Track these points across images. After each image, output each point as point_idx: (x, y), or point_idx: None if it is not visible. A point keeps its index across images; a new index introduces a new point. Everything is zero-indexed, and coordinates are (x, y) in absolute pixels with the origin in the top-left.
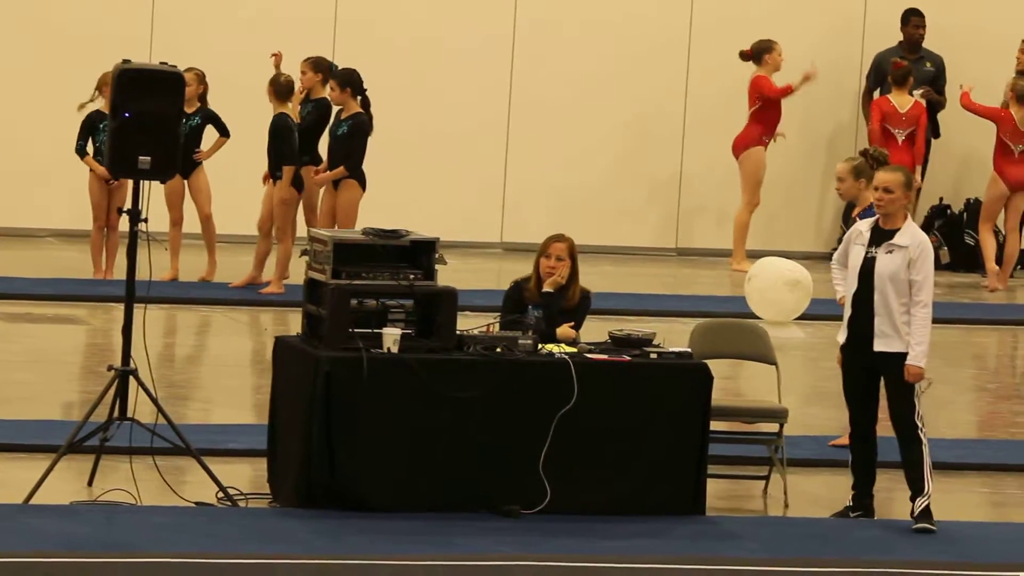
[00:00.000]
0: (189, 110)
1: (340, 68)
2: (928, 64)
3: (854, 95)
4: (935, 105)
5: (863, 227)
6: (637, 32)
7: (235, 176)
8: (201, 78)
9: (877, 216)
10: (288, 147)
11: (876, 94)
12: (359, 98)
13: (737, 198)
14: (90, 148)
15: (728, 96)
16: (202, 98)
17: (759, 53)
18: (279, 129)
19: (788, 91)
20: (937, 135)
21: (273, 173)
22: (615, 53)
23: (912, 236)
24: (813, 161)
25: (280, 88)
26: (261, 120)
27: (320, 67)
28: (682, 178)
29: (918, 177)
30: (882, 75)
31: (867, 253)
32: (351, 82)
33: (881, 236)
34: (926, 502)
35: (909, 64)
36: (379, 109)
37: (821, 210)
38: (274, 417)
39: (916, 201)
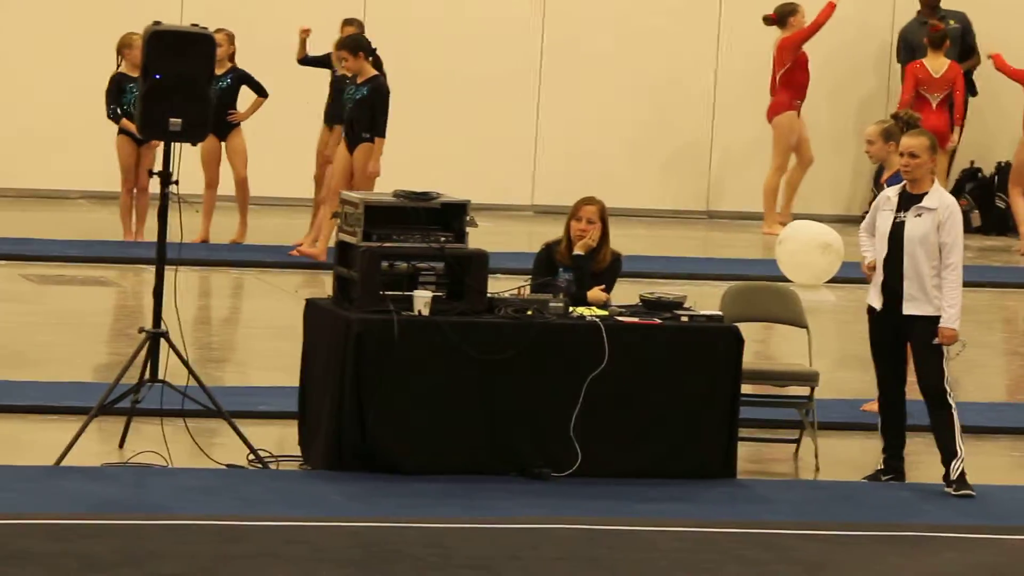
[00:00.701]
0: (220, 71)
1: (343, 37)
2: (952, 22)
3: (885, 57)
4: (969, 68)
5: (890, 193)
6: None
7: (268, 138)
8: (231, 39)
9: (904, 182)
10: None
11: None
12: (371, 59)
13: (765, 160)
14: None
15: (759, 57)
16: (232, 59)
17: (784, 16)
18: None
19: (830, 9)
20: (974, 93)
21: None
22: (644, 16)
23: (940, 199)
24: (844, 124)
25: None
26: (294, 82)
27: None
28: (713, 141)
29: (955, 137)
30: (911, 47)
31: (895, 218)
32: (361, 47)
33: (909, 200)
34: (960, 467)
35: (945, 28)
36: (411, 73)
37: (853, 173)
38: (305, 380)
39: (951, 163)
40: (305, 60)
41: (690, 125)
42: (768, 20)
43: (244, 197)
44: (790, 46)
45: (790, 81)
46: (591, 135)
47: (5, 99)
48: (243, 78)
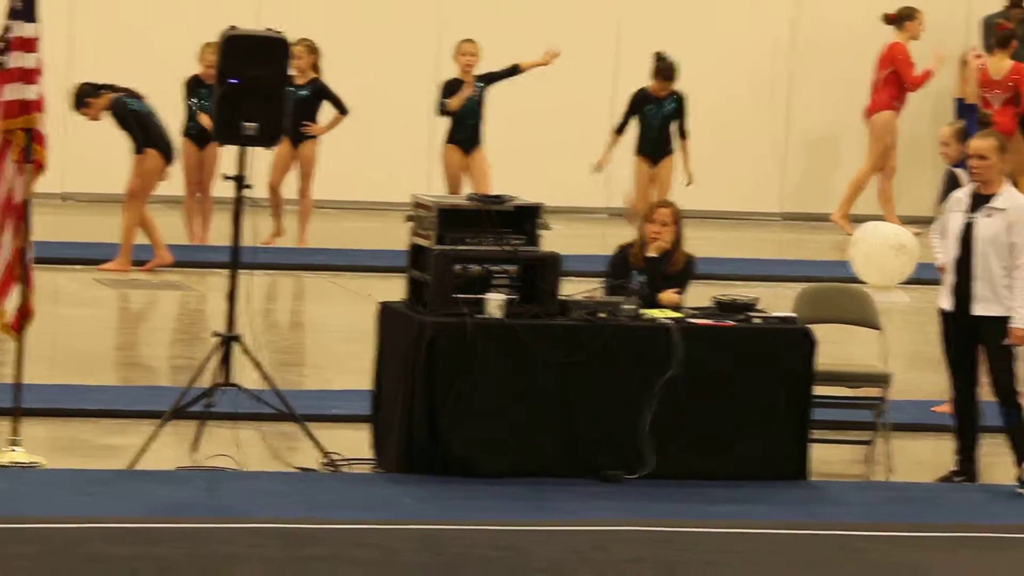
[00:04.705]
0: (302, 81)
1: None
2: None
3: (960, 52)
4: None
5: (961, 194)
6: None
7: (344, 143)
8: (312, 49)
9: (975, 183)
10: None
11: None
12: None
13: (840, 162)
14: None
15: (836, 57)
16: (316, 69)
17: (900, 19)
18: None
19: (927, 77)
20: None
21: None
22: (717, 20)
23: (1011, 199)
24: (916, 124)
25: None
26: (365, 88)
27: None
28: (787, 143)
29: None
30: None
31: (966, 218)
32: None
33: (979, 201)
34: None
35: (1013, 27)
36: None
37: (932, 171)
38: (378, 383)
39: None
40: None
41: (764, 127)
42: (887, 19)
43: (306, 207)
44: (892, 58)
45: (893, 81)
46: None
47: None
48: (322, 91)
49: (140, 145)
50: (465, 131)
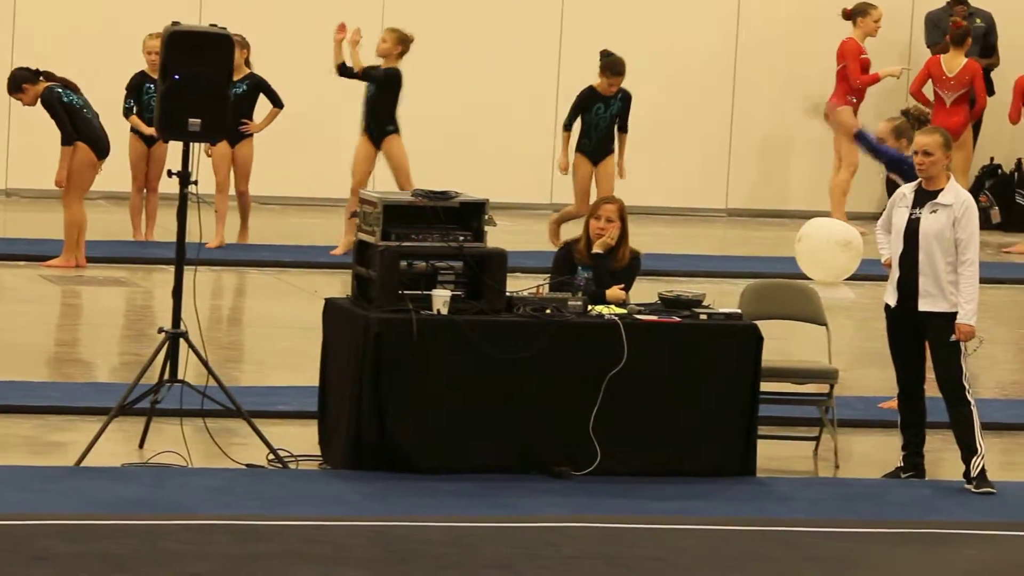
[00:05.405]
0: (236, 77)
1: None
2: (978, 20)
3: (903, 50)
4: (988, 66)
5: (906, 190)
6: None
7: (287, 139)
8: (242, 44)
9: (920, 179)
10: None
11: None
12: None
13: (787, 158)
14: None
15: (778, 53)
16: (248, 64)
17: (854, 15)
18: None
19: (874, 80)
20: (992, 92)
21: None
22: (662, 14)
23: (956, 195)
24: (861, 119)
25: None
26: (308, 83)
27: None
28: (732, 139)
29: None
30: (937, 32)
31: (911, 214)
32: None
33: (924, 197)
34: (981, 464)
35: (968, 25)
36: (429, 71)
37: (873, 170)
38: (324, 379)
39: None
40: (343, 70)
41: (710, 124)
42: (844, 14)
43: (244, 204)
44: (843, 53)
45: (844, 77)
46: None
47: None
48: (260, 85)
49: (69, 137)
50: (365, 120)
